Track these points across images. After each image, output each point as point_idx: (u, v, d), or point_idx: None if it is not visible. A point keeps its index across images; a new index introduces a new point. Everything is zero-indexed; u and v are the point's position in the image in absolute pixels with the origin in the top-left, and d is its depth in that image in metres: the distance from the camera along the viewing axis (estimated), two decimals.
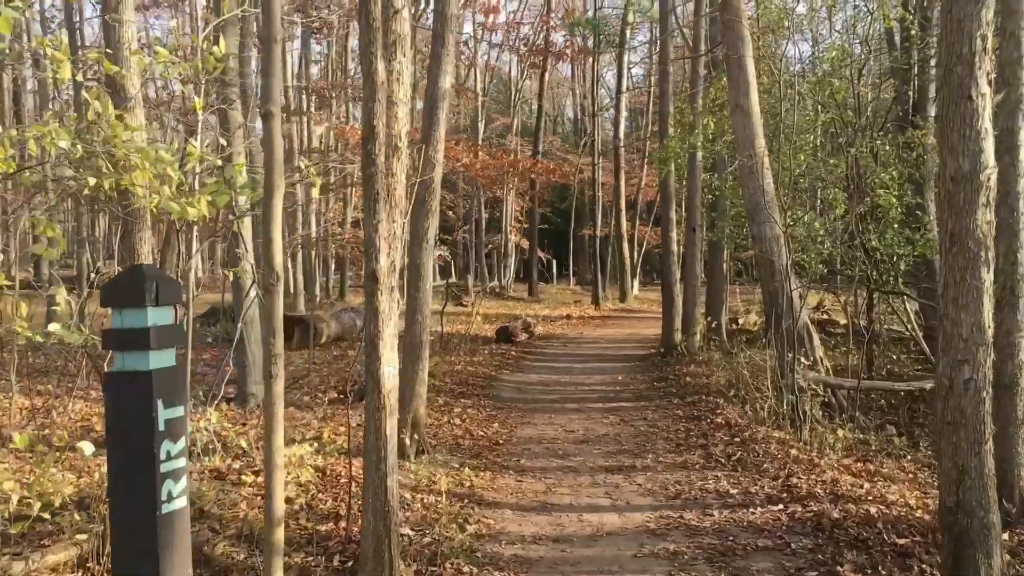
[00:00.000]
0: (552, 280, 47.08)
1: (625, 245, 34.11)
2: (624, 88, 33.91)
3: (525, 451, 9.43)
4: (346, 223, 27.11)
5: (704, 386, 13.03)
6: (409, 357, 8.66)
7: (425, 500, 7.07)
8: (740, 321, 22.13)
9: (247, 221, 10.73)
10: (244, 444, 7.50)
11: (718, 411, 11.05)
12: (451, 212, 44.62)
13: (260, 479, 6.81)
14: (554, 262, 47.70)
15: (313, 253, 26.75)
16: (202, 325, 18.37)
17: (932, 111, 15.46)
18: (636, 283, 39.86)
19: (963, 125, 4.71)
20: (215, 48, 4.85)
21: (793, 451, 8.80)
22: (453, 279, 41.92)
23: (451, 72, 8.65)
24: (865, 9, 14.97)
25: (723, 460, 8.76)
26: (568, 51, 31.62)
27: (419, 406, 8.63)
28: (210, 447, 7.75)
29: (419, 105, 32.04)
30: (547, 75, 37.16)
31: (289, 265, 26.43)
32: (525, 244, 39.78)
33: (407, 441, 8.38)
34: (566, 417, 11.36)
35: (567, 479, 8.22)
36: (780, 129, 11.28)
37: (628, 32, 31.52)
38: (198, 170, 5.71)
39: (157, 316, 3.02)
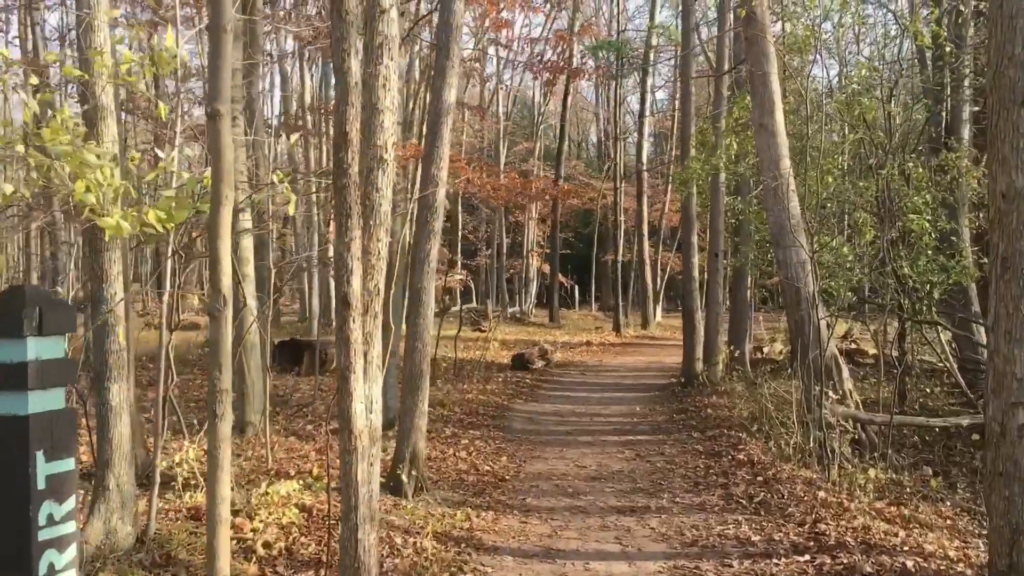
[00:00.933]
0: (574, 306, 46.46)
1: (648, 271, 33.47)
2: (647, 112, 33.44)
3: (532, 488, 8.84)
4: None
5: (725, 419, 12.39)
6: (408, 387, 8.14)
7: (418, 544, 6.51)
8: (765, 350, 21.41)
9: (243, 241, 10.30)
10: None
11: (740, 446, 10.41)
12: (472, 236, 44.36)
13: (239, 520, 6.29)
14: (576, 288, 47.11)
15: (331, 276, 26.26)
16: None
17: (966, 133, 14.82)
18: (659, 310, 39.16)
19: (1016, 135, 4.14)
20: (167, 45, 4.39)
21: (821, 493, 8.15)
22: (473, 304, 41.51)
23: (456, 85, 8.19)
24: (896, 27, 14.42)
25: (744, 502, 8.13)
26: (586, 69, 31.05)
27: (418, 440, 8.09)
28: (191, 482, 7.25)
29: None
30: (570, 98, 36.70)
31: (306, 288, 26.07)
32: (547, 269, 39.22)
33: (404, 478, 7.84)
34: (578, 451, 10.76)
35: (575, 521, 7.62)
36: (807, 150, 10.69)
37: (651, 55, 31.06)
38: (170, 183, 5.24)
39: (40, 348, 2.47)
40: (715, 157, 12.64)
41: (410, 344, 8.15)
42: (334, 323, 4.14)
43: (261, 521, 6.26)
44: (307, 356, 16.75)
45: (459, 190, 15.01)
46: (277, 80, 31.12)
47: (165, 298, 5.97)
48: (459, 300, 42.94)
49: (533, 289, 41.65)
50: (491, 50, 35.29)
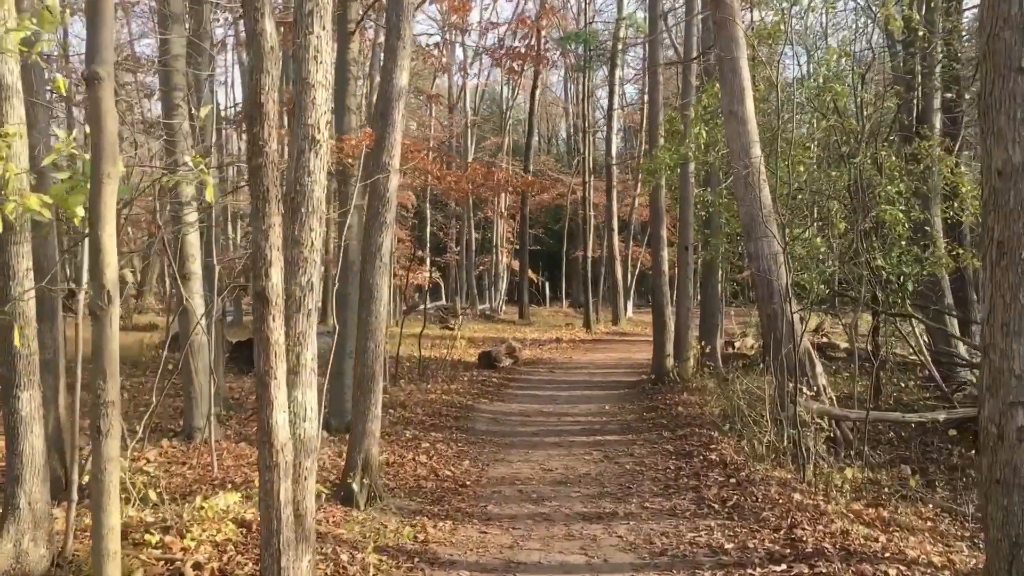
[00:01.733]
0: (545, 303, 46.08)
1: (618, 266, 33.11)
2: (616, 105, 33.05)
3: (495, 494, 8.37)
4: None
5: (697, 417, 12.00)
6: (359, 390, 7.64)
7: (365, 560, 6.01)
8: (736, 345, 21.10)
9: (189, 236, 9.76)
10: (153, 495, 6.45)
11: (712, 446, 10.01)
12: (441, 233, 43.79)
13: (168, 538, 5.76)
14: (547, 284, 46.77)
15: None
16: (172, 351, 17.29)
17: (938, 122, 14.55)
18: (630, 305, 38.89)
19: (1012, 105, 3.73)
20: (48, 2, 3.87)
21: (796, 495, 7.75)
22: (442, 301, 40.93)
23: (407, 68, 7.68)
24: (867, 14, 14.10)
25: (717, 505, 7.72)
26: (550, 57, 30.36)
27: (371, 445, 7.59)
28: (124, 496, 6.70)
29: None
30: (538, 91, 36.30)
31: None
32: (517, 265, 38.75)
33: (355, 487, 7.34)
34: (545, 453, 10.31)
35: (539, 529, 7.16)
36: (777, 138, 10.30)
37: (620, 47, 30.65)
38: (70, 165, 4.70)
39: None
40: (684, 146, 12.22)
41: (361, 344, 7.65)
42: (252, 322, 3.64)
43: (193, 539, 5.73)
44: None
45: (424, 184, 14.45)
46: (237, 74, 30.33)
47: (82, 295, 5.42)
48: (428, 298, 42.48)
49: (503, 286, 41.17)
50: (455, 37, 34.58)
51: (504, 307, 39.80)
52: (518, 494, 8.39)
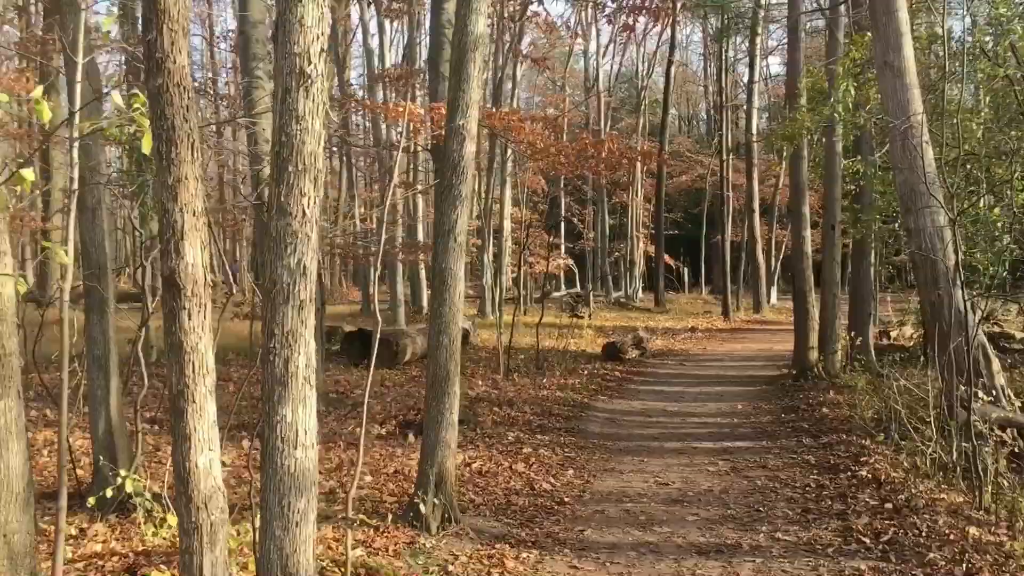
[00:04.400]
0: (683, 289, 44.14)
1: (759, 251, 30.96)
2: (756, 78, 30.86)
3: (596, 515, 7.13)
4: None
5: (844, 421, 10.36)
6: (432, 392, 6.55)
7: None
8: (892, 335, 18.93)
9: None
10: (172, 520, 5.54)
11: (863, 458, 8.43)
12: (576, 219, 42.57)
13: None
14: (686, 270, 44.78)
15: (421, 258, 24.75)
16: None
17: None
18: (774, 292, 36.52)
19: None
20: None
21: (972, 528, 6.16)
22: (576, 289, 39.72)
23: (484, 12, 6.52)
24: None
25: (868, 539, 6.22)
26: (667, 8, 28.19)
27: (445, 458, 6.49)
28: (155, 514, 5.87)
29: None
30: (673, 67, 34.48)
31: (400, 275, 24.80)
32: (653, 251, 37.07)
33: (423, 508, 6.26)
34: (662, 462, 8.97)
35: (643, 566, 5.89)
36: (944, 93, 8.56)
37: (761, 15, 28.43)
38: None
39: None
40: (828, 107, 10.53)
41: (433, 340, 6.55)
42: (164, 319, 2.68)
43: None
44: (378, 348, 15.42)
45: (519, 154, 13.27)
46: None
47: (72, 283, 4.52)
48: (563, 285, 41.39)
49: (638, 272, 39.53)
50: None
51: (640, 294, 38.23)
52: (624, 515, 7.12)
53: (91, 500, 5.28)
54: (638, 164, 37.52)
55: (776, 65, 46.13)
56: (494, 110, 11.05)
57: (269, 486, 3.40)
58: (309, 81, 3.36)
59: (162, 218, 2.69)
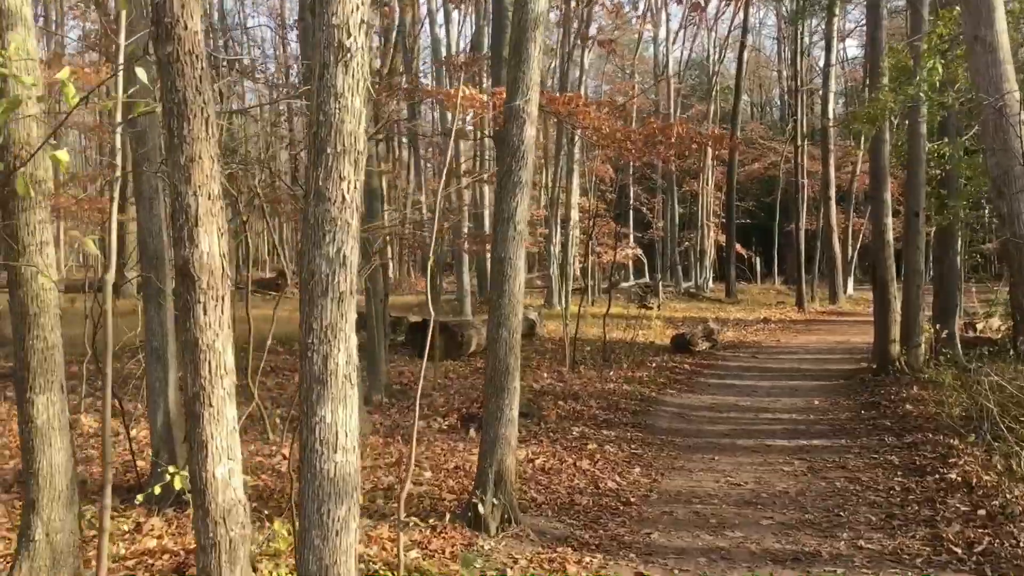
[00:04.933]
0: (755, 279, 43.16)
1: (835, 239, 29.98)
2: (833, 61, 29.81)
3: (664, 516, 6.78)
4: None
5: (930, 419, 9.78)
6: (492, 387, 6.28)
7: None
8: (979, 327, 18.05)
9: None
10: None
11: (951, 459, 7.89)
12: (646, 208, 41.93)
13: None
14: (759, 260, 43.76)
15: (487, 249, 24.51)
16: None
17: None
18: (851, 283, 35.38)
19: None
20: None
21: None
22: (645, 279, 39.10)
23: None
24: None
25: (960, 550, 5.75)
26: None
27: (505, 455, 6.22)
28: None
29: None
30: (746, 50, 33.58)
31: (466, 265, 24.62)
32: (724, 240, 36.27)
33: (482, 509, 6.00)
34: (734, 460, 8.56)
35: (714, 574, 5.54)
36: None
37: None
38: None
39: None
40: (912, 86, 9.90)
41: (492, 333, 6.28)
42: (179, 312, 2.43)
43: None
44: (441, 339, 15.24)
45: (585, 140, 12.89)
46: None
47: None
48: (631, 276, 40.81)
49: (708, 262, 38.74)
50: None
51: (711, 284, 37.48)
52: (693, 517, 6.76)
53: (139, 497, 5.14)
54: (708, 150, 36.81)
55: (853, 48, 44.69)
56: (558, 95, 10.71)
57: (307, 492, 3.17)
58: (348, 55, 3.10)
59: (174, 202, 2.46)
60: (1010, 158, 8.69)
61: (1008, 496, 6.64)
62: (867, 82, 14.64)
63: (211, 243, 2.50)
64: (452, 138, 6.01)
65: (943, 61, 9.74)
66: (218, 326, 2.57)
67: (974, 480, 7.15)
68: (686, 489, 7.56)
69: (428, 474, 7.68)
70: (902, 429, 9.49)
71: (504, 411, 6.22)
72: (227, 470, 2.61)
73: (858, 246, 37.01)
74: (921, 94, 9.75)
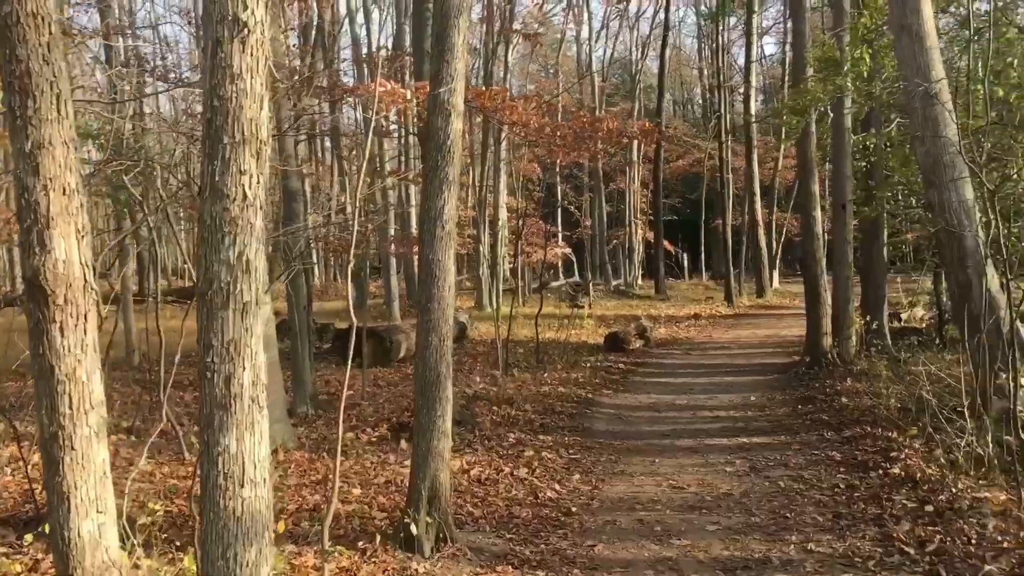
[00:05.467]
0: (683, 275, 43.45)
1: (761, 234, 30.27)
2: (754, 57, 30.10)
3: (608, 526, 6.48)
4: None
5: (867, 411, 9.70)
6: (422, 399, 5.88)
7: None
8: (903, 317, 18.29)
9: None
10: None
11: (893, 453, 7.77)
12: (573, 207, 41.90)
13: None
14: (685, 256, 44.11)
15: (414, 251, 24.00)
16: None
17: None
18: (776, 276, 35.84)
19: None
20: None
21: None
22: (575, 278, 39.01)
23: None
24: None
25: (912, 549, 5.57)
26: None
27: (438, 470, 5.83)
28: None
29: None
30: (668, 49, 33.73)
31: (393, 268, 24.10)
32: (651, 237, 36.41)
33: (414, 529, 5.60)
34: (675, 462, 8.32)
35: None
36: (969, 57, 7.89)
37: None
38: None
39: None
40: (840, 76, 9.81)
41: (422, 339, 5.89)
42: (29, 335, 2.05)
43: None
44: (368, 345, 14.76)
45: (513, 136, 12.58)
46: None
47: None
48: (561, 275, 40.69)
49: (637, 259, 38.88)
50: None
51: (640, 281, 37.58)
52: (638, 525, 6.47)
53: (28, 537, 4.61)
54: (635, 147, 36.96)
55: (771, 45, 45.36)
56: (484, 88, 10.34)
57: (211, 533, 2.75)
58: (245, 30, 2.69)
59: (19, 198, 2.02)
60: (940, 147, 8.66)
61: (952, 491, 6.52)
62: (785, 77, 14.56)
63: (68, 248, 2.07)
64: (371, 131, 5.61)
65: (870, 51, 9.69)
66: (80, 350, 2.13)
67: (918, 475, 7.02)
68: (628, 495, 7.27)
69: (357, 491, 7.24)
70: (840, 423, 9.38)
71: (436, 423, 5.83)
72: (96, 526, 2.19)
73: (781, 240, 37.54)
74: (849, 84, 9.66)
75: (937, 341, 14.12)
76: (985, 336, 8.09)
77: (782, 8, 37.80)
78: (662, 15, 34.36)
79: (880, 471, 7.33)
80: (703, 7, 36.78)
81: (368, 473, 7.90)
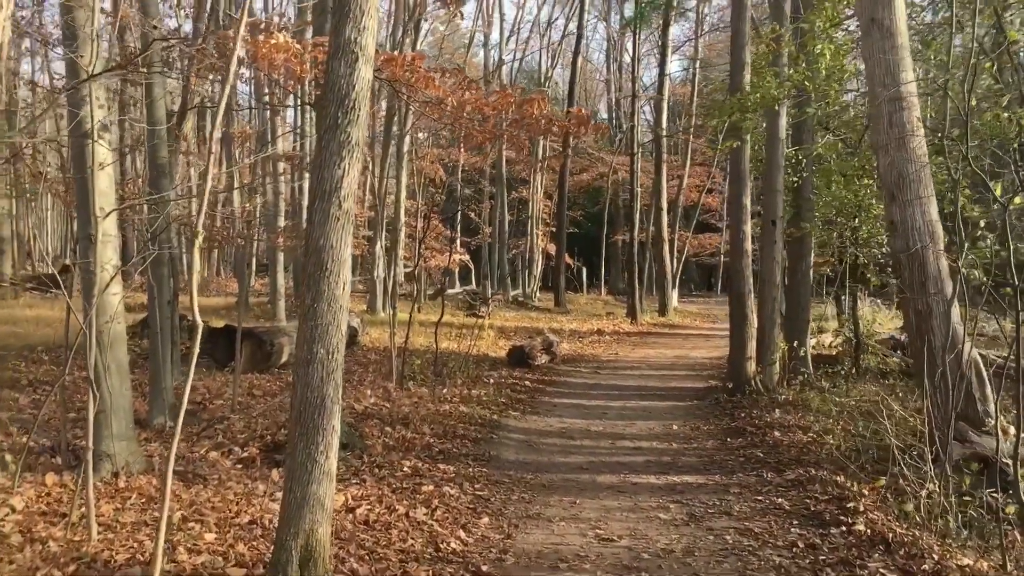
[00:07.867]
0: (582, 289, 42.76)
1: (666, 251, 29.65)
2: (667, 70, 29.52)
3: None
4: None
5: (805, 448, 8.73)
6: (300, 429, 4.46)
7: None
8: (812, 343, 17.69)
9: (100, 180, 6.72)
10: None
11: (850, 504, 6.72)
12: (473, 213, 40.70)
13: None
14: (584, 270, 43.43)
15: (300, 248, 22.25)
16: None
17: None
18: (675, 294, 35.43)
19: None
20: None
21: None
22: (472, 286, 37.72)
23: None
24: None
25: None
26: None
27: (317, 523, 4.42)
28: None
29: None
30: (579, 57, 32.93)
31: (280, 264, 22.25)
32: (552, 249, 35.46)
33: None
34: (599, 504, 7.09)
35: None
36: (941, 57, 6.98)
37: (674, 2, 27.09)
38: None
39: None
40: (799, 72, 8.81)
41: (303, 352, 4.46)
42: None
43: None
44: (246, 348, 13.08)
45: (426, 115, 11.18)
46: None
47: None
48: (457, 282, 39.35)
49: (537, 270, 37.88)
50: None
51: (538, 293, 36.58)
52: None
53: None
54: (539, 152, 36.04)
55: (677, 72, 45.14)
56: (396, 54, 8.89)
57: None
58: None
59: None
60: (905, 159, 7.75)
61: (936, 559, 5.48)
62: (730, 75, 13.57)
63: None
64: (232, 67, 4.16)
65: (831, 47, 8.74)
66: None
67: (889, 535, 5.97)
68: (548, 547, 5.98)
69: (211, 536, 5.72)
70: (779, 462, 8.33)
71: (318, 460, 4.42)
72: None
73: (682, 260, 37.19)
74: (807, 82, 8.70)
75: (853, 371, 13.45)
76: (948, 370, 7.21)
77: (693, 26, 37.69)
78: (574, 24, 33.69)
79: (843, 528, 6.25)
80: (613, 22, 36.04)
81: (229, 508, 6.40)
